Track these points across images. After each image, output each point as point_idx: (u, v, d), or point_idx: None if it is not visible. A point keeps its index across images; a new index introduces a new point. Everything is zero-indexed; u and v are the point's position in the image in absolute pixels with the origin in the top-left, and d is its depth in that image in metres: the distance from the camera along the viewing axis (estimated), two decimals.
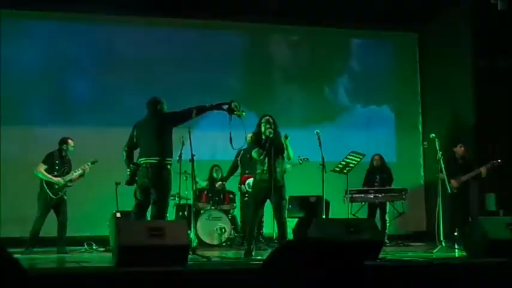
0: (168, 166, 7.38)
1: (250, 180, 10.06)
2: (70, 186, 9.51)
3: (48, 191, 9.29)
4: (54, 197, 9.33)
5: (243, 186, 10.17)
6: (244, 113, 7.40)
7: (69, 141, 9.49)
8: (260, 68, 12.51)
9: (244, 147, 9.39)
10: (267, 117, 8.02)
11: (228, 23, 12.30)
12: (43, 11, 11.49)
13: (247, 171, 10.21)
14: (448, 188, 9.14)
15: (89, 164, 9.57)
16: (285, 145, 7.86)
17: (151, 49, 11.83)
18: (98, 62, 11.70)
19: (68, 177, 9.43)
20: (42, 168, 9.31)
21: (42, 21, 11.63)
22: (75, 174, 9.50)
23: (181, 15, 11.84)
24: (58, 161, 9.43)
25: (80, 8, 11.21)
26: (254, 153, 7.91)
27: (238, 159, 10.25)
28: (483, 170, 9.74)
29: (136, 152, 7.58)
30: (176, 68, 11.80)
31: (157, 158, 7.29)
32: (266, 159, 7.83)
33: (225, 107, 7.38)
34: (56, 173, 9.37)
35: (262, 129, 7.93)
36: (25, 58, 11.38)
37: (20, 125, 11.21)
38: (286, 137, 7.88)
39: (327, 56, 12.81)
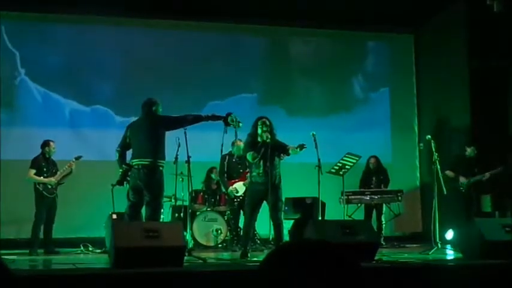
0: (161, 168, 7.41)
1: (237, 185, 10.09)
2: (62, 183, 9.74)
3: (43, 191, 9.47)
4: (50, 196, 9.56)
5: (229, 190, 10.16)
6: (241, 124, 7.56)
7: (51, 143, 9.77)
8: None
9: (228, 151, 9.52)
10: (263, 119, 8.00)
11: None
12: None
13: (234, 175, 10.23)
14: (444, 189, 9.16)
15: (73, 160, 9.74)
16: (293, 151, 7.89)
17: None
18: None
19: (58, 177, 9.65)
20: (32, 173, 9.57)
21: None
22: (63, 172, 9.71)
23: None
24: (44, 164, 9.69)
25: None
26: (249, 156, 7.91)
27: (225, 163, 10.25)
28: (487, 174, 9.95)
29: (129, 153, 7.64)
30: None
31: (149, 160, 7.31)
32: (261, 161, 7.83)
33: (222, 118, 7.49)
34: (45, 174, 9.63)
35: (259, 131, 7.92)
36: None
37: (19, 126, 11.23)
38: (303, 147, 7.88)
39: (324, 57, 12.81)
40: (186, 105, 11.13)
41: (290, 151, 7.93)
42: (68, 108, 11.54)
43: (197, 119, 7.53)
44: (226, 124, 7.50)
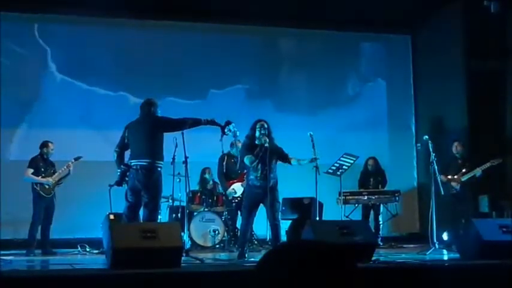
0: (159, 169, 7.43)
1: (235, 186, 10.09)
2: (60, 184, 9.76)
3: (41, 191, 9.52)
4: (47, 196, 9.56)
5: (228, 191, 10.16)
6: (238, 133, 7.75)
7: (49, 144, 9.79)
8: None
9: (227, 152, 9.57)
10: (262, 122, 7.99)
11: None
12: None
13: (233, 176, 10.23)
14: (442, 189, 9.15)
15: (72, 160, 9.75)
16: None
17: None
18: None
19: (56, 177, 9.67)
20: (29, 172, 9.60)
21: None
22: (61, 173, 9.74)
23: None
24: (42, 164, 9.73)
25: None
26: (246, 160, 7.93)
27: (224, 164, 10.26)
28: (478, 170, 9.81)
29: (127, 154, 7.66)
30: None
31: (147, 161, 7.33)
32: (259, 165, 7.83)
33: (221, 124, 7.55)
34: (43, 174, 9.65)
35: (257, 134, 7.91)
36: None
37: (19, 127, 11.25)
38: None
39: (322, 59, 12.79)
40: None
41: (293, 162, 8.01)
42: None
43: (196, 123, 7.55)
44: (223, 133, 7.57)
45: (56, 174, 9.70)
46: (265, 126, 7.95)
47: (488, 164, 9.75)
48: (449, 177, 9.89)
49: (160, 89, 10.33)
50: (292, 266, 2.99)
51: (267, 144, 7.77)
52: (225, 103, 11.69)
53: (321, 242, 3.35)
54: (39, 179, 9.56)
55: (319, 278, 2.96)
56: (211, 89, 12.11)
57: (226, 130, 7.54)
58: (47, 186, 9.57)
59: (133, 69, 11.73)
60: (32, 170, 9.59)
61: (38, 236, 9.57)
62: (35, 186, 9.54)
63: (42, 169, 9.66)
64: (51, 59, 11.56)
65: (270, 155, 7.78)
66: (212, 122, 7.55)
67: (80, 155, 9.83)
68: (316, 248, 3.12)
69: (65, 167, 9.73)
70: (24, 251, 9.27)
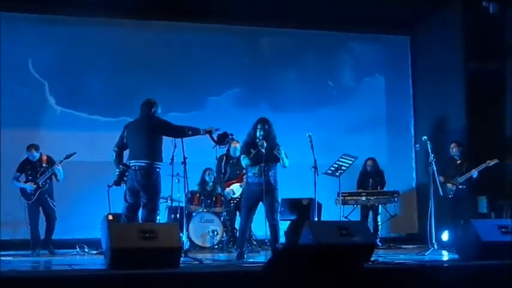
0: (158, 169, 7.42)
1: (234, 187, 10.08)
2: (43, 187, 9.59)
3: (22, 197, 9.57)
4: (28, 201, 9.56)
5: (226, 191, 10.16)
6: (233, 137, 7.79)
7: (31, 148, 9.66)
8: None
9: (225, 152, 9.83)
10: (263, 123, 7.93)
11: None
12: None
13: (231, 177, 10.23)
14: (440, 190, 9.15)
15: (62, 160, 9.65)
16: (280, 157, 7.85)
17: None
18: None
19: (40, 180, 9.57)
20: (14, 177, 9.64)
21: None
22: (47, 175, 9.62)
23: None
24: (29, 167, 9.67)
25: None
26: (242, 161, 7.94)
27: (223, 164, 10.26)
28: (474, 172, 9.81)
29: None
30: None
31: (146, 161, 7.33)
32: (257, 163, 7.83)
33: (215, 135, 7.60)
34: (30, 177, 9.61)
35: (257, 134, 7.88)
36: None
37: (19, 127, 11.21)
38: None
39: (322, 60, 12.78)
40: (187, 104, 11.69)
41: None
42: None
43: (195, 133, 7.57)
44: (217, 144, 7.69)
45: (41, 176, 9.61)
46: (266, 127, 7.90)
47: (483, 165, 9.77)
48: (447, 179, 9.91)
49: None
50: (297, 268, 2.99)
51: (263, 150, 7.74)
52: (222, 109, 11.75)
53: (325, 244, 3.35)
54: (21, 184, 9.59)
55: (320, 278, 2.96)
56: (209, 96, 12.06)
57: (220, 144, 7.66)
58: (28, 191, 9.55)
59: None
60: (18, 175, 9.63)
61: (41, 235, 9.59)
62: (19, 192, 9.58)
63: (29, 172, 9.62)
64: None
65: (266, 157, 7.75)
66: (209, 133, 7.58)
67: (73, 151, 9.68)
68: (320, 250, 3.12)
69: (56, 166, 9.61)
70: (22, 252, 9.28)
